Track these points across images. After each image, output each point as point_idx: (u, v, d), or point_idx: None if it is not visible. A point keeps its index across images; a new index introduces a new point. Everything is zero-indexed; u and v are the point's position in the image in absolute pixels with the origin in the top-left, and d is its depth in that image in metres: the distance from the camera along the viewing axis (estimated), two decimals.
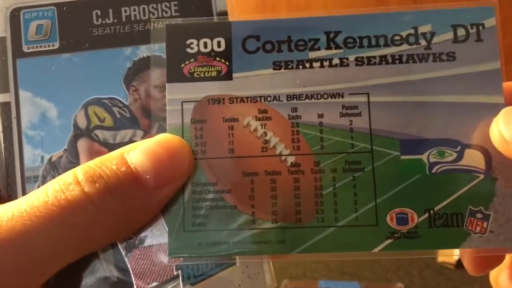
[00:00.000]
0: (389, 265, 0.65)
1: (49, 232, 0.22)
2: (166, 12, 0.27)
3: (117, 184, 0.22)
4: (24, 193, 0.25)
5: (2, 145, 0.25)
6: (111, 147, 0.25)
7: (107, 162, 0.23)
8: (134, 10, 0.27)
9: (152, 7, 0.27)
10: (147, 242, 0.25)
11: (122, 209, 0.23)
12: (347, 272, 0.62)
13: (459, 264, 0.66)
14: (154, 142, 0.24)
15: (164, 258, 0.25)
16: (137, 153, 0.23)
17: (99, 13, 0.26)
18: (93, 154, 0.25)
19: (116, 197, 0.22)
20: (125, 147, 0.24)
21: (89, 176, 0.22)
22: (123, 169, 0.23)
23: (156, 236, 0.25)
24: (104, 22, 0.26)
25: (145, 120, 0.26)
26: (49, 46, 0.26)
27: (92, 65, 0.26)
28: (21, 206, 0.22)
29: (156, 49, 0.26)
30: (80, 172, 0.22)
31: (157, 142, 0.24)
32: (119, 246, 0.25)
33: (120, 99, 0.26)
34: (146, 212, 0.24)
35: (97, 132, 0.26)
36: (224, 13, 0.27)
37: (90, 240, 0.23)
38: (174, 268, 0.25)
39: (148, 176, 0.23)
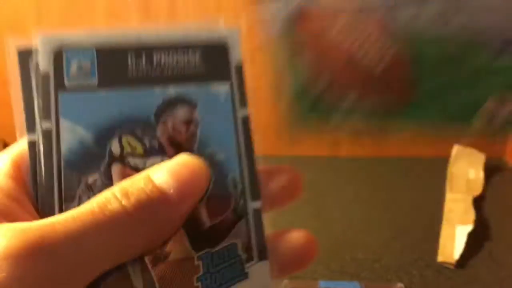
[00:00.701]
0: (389, 265, 0.65)
1: (93, 237, 0.25)
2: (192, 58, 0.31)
3: (146, 199, 0.26)
4: (61, 212, 0.28)
5: (43, 168, 0.28)
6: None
7: (136, 182, 0.27)
8: (164, 54, 0.31)
9: (180, 52, 0.31)
10: (172, 257, 0.28)
11: (151, 221, 0.26)
12: (347, 272, 0.62)
13: (459, 264, 0.66)
14: (175, 163, 0.28)
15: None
16: (161, 172, 0.27)
17: (133, 56, 0.30)
18: (125, 177, 0.28)
19: (146, 211, 0.26)
20: (149, 169, 0.28)
21: (124, 193, 0.26)
22: (150, 186, 0.27)
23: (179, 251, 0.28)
24: (137, 65, 0.30)
25: (171, 150, 0.30)
26: (88, 83, 0.29)
27: (127, 101, 0.29)
28: (69, 214, 0.25)
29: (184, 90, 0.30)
30: (117, 190, 0.26)
31: (178, 162, 0.28)
32: (146, 259, 0.28)
33: (151, 131, 0.30)
34: (171, 225, 0.27)
35: (129, 159, 0.29)
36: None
37: (126, 247, 0.26)
38: (194, 281, 0.28)
39: (171, 191, 0.26)
